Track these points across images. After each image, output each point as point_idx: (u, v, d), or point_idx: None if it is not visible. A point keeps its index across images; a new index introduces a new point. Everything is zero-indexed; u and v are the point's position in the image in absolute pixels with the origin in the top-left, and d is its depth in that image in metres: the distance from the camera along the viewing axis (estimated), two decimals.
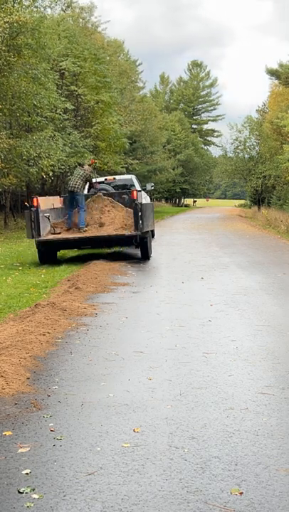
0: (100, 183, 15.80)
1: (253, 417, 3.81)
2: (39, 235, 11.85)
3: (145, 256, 12.78)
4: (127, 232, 12.17)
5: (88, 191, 14.00)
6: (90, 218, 13.09)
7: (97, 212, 13.22)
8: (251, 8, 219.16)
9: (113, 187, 15.93)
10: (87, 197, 13.67)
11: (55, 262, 12.33)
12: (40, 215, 12.00)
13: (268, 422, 3.73)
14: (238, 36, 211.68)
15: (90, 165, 14.34)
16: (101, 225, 12.90)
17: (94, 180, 14.18)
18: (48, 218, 12.59)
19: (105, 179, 16.92)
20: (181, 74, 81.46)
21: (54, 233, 12.59)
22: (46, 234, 12.34)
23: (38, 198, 12.42)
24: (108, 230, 12.57)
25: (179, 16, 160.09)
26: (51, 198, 14.33)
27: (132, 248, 13.91)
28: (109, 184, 16.17)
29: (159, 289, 8.96)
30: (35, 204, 11.99)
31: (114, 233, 12.31)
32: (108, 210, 13.30)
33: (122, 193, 14.06)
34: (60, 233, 12.71)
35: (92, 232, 12.59)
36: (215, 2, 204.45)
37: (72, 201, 13.11)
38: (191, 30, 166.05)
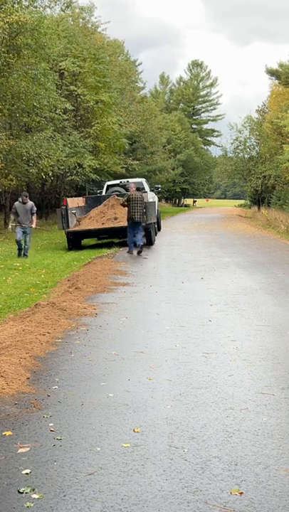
0: (114, 185, 19.09)
1: (253, 417, 3.81)
2: (68, 227, 15.15)
3: (149, 242, 15.83)
4: None
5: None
6: (107, 214, 15.89)
7: (112, 209, 15.95)
8: (186, 7, 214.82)
9: (127, 189, 18.26)
10: (105, 197, 16.99)
11: (80, 247, 15.45)
12: (69, 211, 15.31)
13: (268, 422, 3.73)
14: (186, 36, 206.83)
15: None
16: (115, 219, 15.63)
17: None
18: (75, 214, 15.80)
19: (120, 181, 20.05)
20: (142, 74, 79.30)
21: (79, 225, 15.72)
22: (73, 226, 15.55)
23: (67, 198, 16.02)
24: (121, 223, 15.32)
25: (120, 15, 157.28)
26: (76, 198, 17.54)
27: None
28: (123, 186, 18.96)
29: (159, 289, 8.96)
30: (65, 203, 15.45)
31: (126, 225, 14.71)
32: (121, 208, 15.79)
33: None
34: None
35: (108, 224, 15.45)
36: (148, 2, 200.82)
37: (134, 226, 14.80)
38: (140, 30, 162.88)
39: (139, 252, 13.79)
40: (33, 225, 13.50)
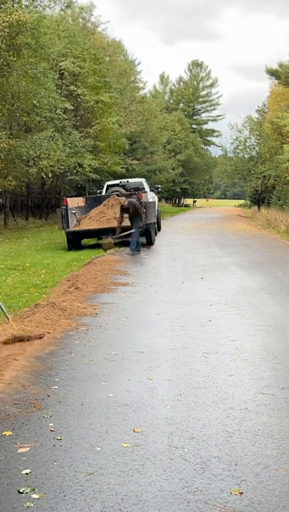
0: (114, 185, 19.11)
1: (253, 417, 3.81)
2: (68, 227, 15.16)
3: (149, 242, 16.01)
4: None
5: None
6: (107, 214, 15.81)
7: (112, 209, 15.90)
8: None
9: (127, 189, 18.20)
10: (105, 197, 16.94)
11: (80, 247, 15.41)
12: (69, 211, 15.34)
13: (267, 422, 3.72)
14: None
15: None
16: (115, 218, 15.29)
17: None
18: (75, 214, 15.78)
19: (120, 181, 20.10)
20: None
21: (79, 225, 15.69)
22: (73, 226, 15.53)
23: (67, 198, 16.14)
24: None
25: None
26: (76, 198, 17.59)
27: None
28: (123, 186, 18.90)
29: (159, 289, 8.96)
30: (65, 203, 15.51)
31: (125, 225, 14.79)
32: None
33: (132, 194, 16.48)
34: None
35: (108, 224, 15.24)
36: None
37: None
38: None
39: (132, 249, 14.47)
40: None
